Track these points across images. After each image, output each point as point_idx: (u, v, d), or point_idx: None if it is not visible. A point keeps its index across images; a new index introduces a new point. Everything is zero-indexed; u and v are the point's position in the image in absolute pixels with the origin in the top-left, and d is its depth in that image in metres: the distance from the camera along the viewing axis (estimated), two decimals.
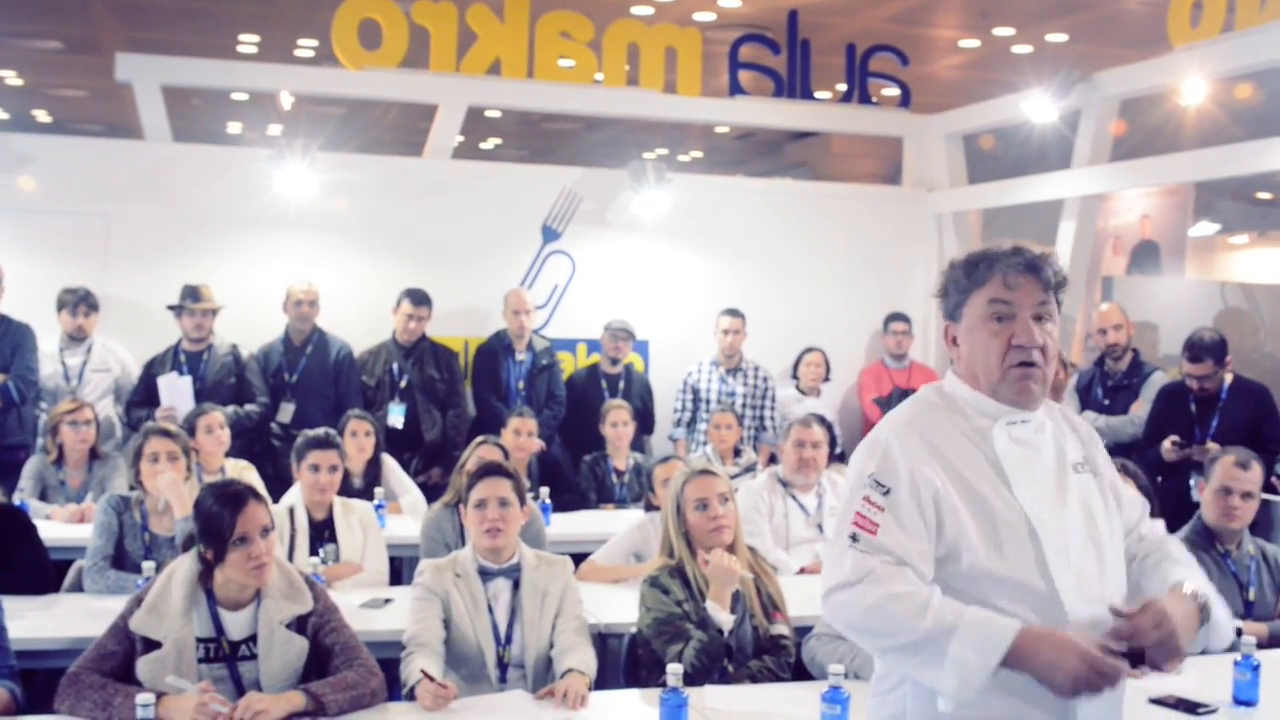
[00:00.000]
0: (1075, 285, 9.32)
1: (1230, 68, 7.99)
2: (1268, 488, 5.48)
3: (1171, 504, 4.98)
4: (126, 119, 12.11)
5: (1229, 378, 6.98)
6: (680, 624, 4.28)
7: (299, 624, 3.88)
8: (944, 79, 13.22)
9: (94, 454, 6.86)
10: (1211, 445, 6.51)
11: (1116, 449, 7.14)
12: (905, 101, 10.53)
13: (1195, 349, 6.88)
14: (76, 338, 7.87)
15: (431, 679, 3.88)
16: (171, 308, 7.93)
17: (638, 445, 8.40)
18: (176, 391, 7.61)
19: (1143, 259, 13.03)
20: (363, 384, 8.32)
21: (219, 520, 3.77)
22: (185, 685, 3.59)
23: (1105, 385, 7.70)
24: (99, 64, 12.13)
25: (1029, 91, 8.84)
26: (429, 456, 8.27)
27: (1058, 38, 11.58)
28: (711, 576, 4.35)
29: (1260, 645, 4.06)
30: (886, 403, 9.25)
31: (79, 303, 7.82)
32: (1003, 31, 11.55)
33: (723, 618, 4.25)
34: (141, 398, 7.79)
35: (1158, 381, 7.50)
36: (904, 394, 9.15)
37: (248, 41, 12.39)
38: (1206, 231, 15.71)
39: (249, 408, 7.87)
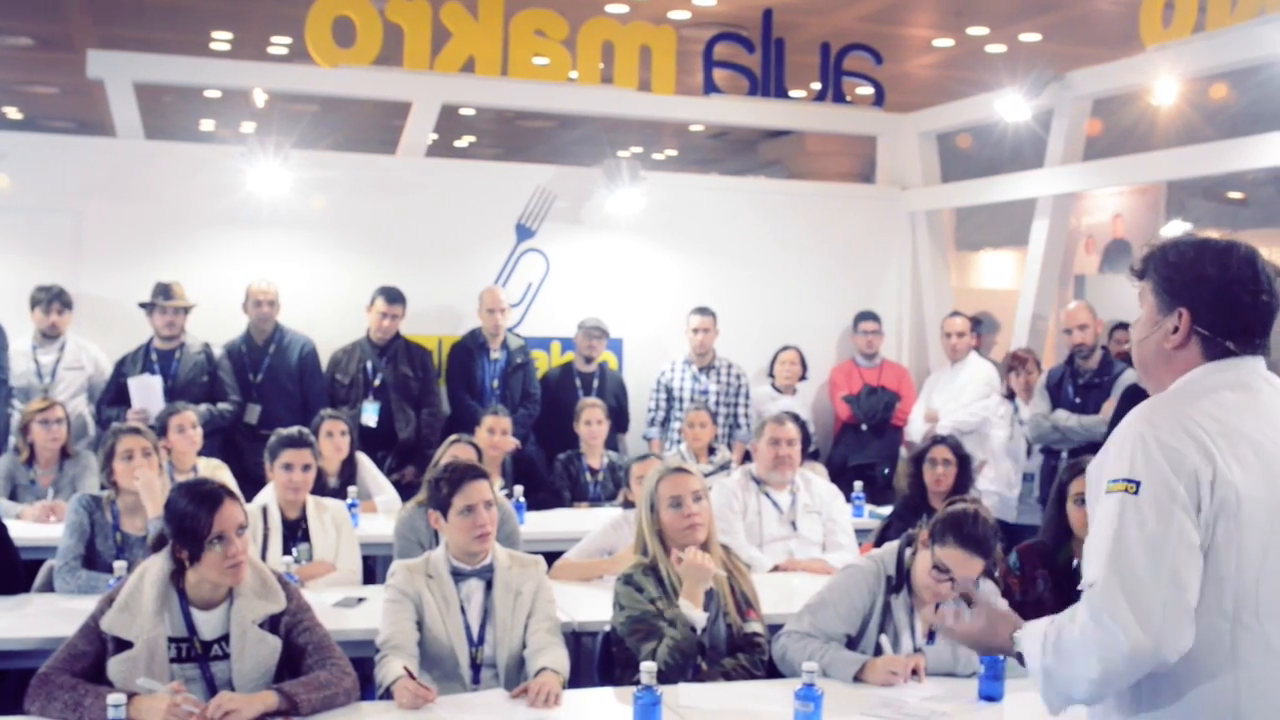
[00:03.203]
0: (1048, 285, 9.37)
1: (1202, 67, 8.03)
2: None
3: None
4: (98, 116, 12.08)
5: None
6: (654, 622, 4.29)
7: (272, 623, 3.87)
8: (918, 78, 13.27)
9: (65, 453, 6.83)
10: None
11: (1091, 448, 7.20)
12: (879, 100, 10.55)
13: None
14: (50, 335, 7.83)
15: (414, 678, 3.88)
16: (143, 305, 7.89)
17: (612, 444, 8.41)
18: (147, 393, 7.56)
19: (1115, 257, 13.12)
20: (337, 382, 8.30)
21: (195, 520, 3.75)
22: (156, 686, 3.57)
23: (1076, 383, 7.73)
24: (70, 60, 12.08)
25: (1002, 91, 8.87)
26: (403, 455, 8.26)
27: (1031, 37, 11.63)
28: (684, 575, 4.35)
29: None
30: (856, 400, 9.27)
31: (52, 300, 7.79)
32: (976, 31, 11.59)
33: (695, 615, 4.26)
34: (113, 396, 7.75)
35: (1128, 379, 7.53)
36: (873, 391, 9.23)
37: (220, 38, 12.34)
38: (1178, 230, 15.79)
39: (222, 406, 7.84)
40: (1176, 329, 2.61)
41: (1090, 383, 7.66)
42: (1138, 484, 2.42)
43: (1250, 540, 2.44)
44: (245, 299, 8.22)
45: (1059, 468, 7.57)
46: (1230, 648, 2.43)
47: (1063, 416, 7.59)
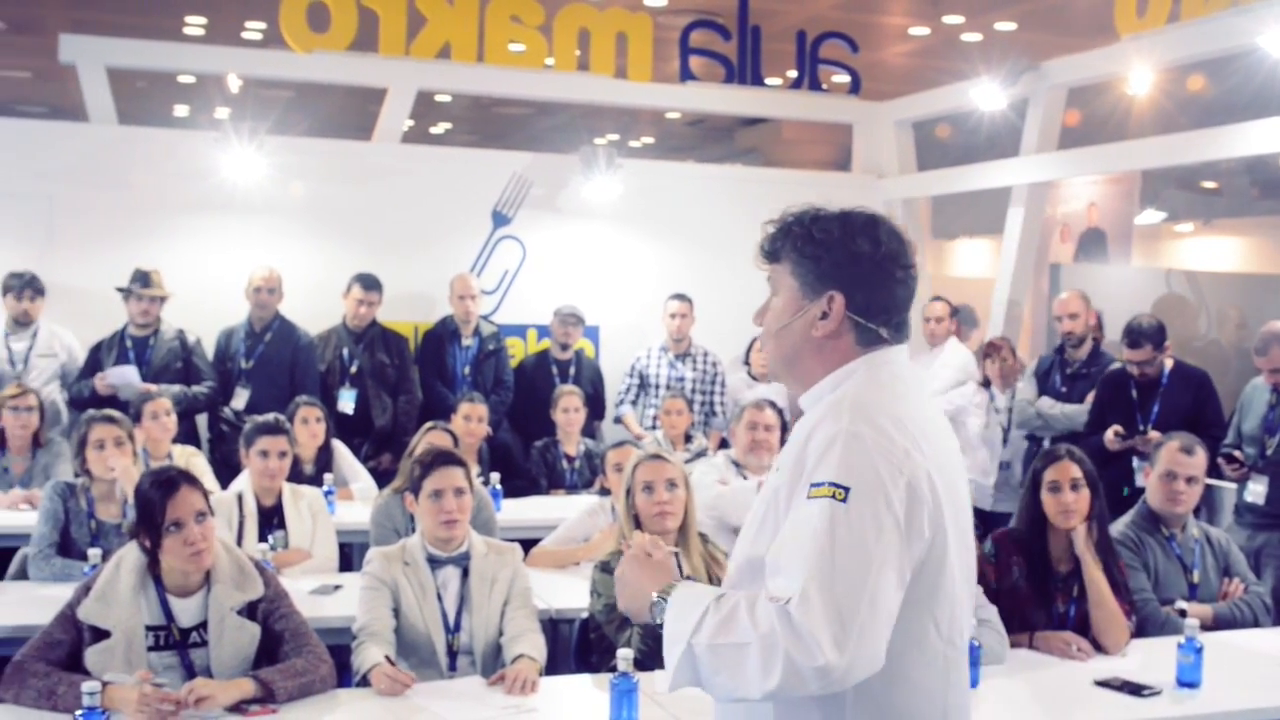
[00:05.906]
0: (1023, 273, 9.39)
1: (1176, 57, 8.07)
2: (1210, 472, 5.53)
3: (1108, 493, 5.03)
4: (71, 101, 11.97)
5: (1169, 363, 7.03)
6: None
7: (249, 610, 3.86)
8: (894, 66, 13.28)
9: (37, 441, 6.78)
10: (1154, 434, 6.56)
11: (1071, 437, 7.15)
12: (855, 88, 10.55)
13: (1134, 334, 6.93)
14: (22, 323, 7.77)
15: (393, 663, 3.88)
16: (121, 290, 7.83)
17: (588, 431, 8.39)
18: (126, 382, 7.48)
19: (1090, 246, 13.15)
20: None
21: (152, 506, 3.75)
22: (124, 679, 3.54)
23: (1064, 373, 7.69)
24: (42, 45, 11.95)
25: (978, 79, 8.90)
26: (379, 442, 8.22)
27: (1006, 26, 11.65)
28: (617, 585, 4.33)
29: (1204, 627, 4.11)
30: None
31: (25, 287, 7.73)
32: (952, 19, 11.61)
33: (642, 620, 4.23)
34: (87, 377, 7.69)
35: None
36: None
37: (194, 23, 12.26)
38: (1152, 219, 15.86)
39: (197, 389, 7.78)
40: (825, 314, 2.35)
41: (1078, 372, 7.63)
42: (847, 491, 2.14)
43: (952, 553, 2.25)
44: (247, 285, 8.16)
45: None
46: (943, 670, 2.27)
47: (1047, 404, 7.59)
